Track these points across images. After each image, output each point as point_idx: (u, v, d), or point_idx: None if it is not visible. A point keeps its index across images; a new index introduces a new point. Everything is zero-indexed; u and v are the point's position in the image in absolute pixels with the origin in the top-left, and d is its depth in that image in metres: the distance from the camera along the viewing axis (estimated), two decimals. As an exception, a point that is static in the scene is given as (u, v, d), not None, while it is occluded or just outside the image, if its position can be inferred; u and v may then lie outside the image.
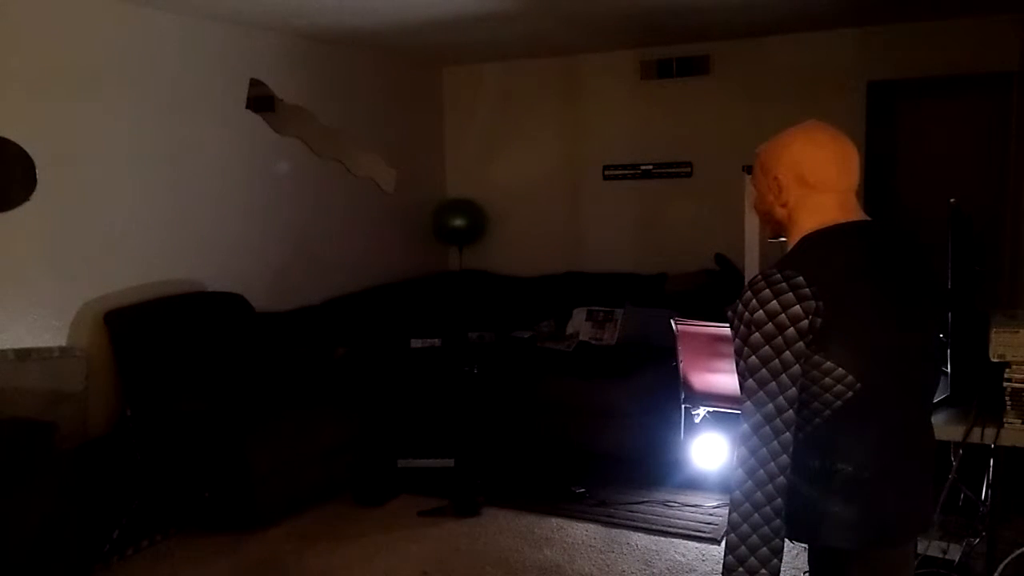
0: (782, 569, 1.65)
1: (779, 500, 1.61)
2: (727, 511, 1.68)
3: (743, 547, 1.62)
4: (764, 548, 1.61)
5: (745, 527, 1.62)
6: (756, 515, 1.61)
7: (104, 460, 3.82)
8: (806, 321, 1.59)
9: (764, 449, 1.61)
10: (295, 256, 5.25)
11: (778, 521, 1.61)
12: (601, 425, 4.63)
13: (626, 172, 6.07)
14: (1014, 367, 2.52)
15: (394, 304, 5.70)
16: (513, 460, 4.69)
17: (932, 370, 1.83)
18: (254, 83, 4.90)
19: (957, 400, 2.69)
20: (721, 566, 1.67)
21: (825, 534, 1.72)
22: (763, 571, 1.61)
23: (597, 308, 5.62)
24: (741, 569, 1.61)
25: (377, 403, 4.69)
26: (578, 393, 4.74)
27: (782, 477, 1.61)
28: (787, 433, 1.61)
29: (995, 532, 2.88)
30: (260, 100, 4.96)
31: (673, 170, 5.90)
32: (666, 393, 4.36)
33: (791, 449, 1.62)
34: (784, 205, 1.76)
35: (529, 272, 6.27)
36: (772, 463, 1.60)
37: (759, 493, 1.61)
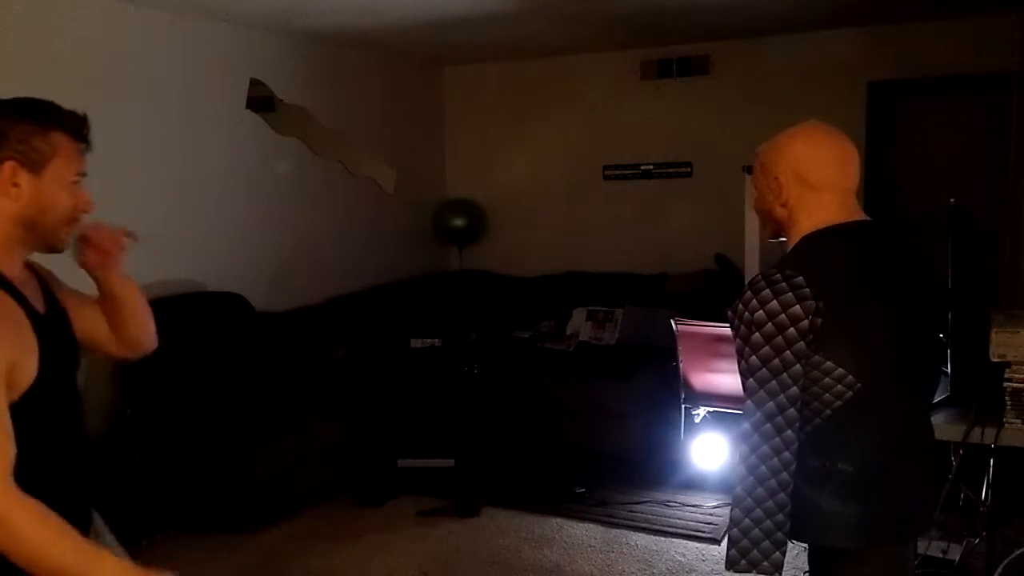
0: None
1: (783, 495, 1.61)
2: (729, 509, 1.69)
3: (745, 540, 1.63)
4: (767, 541, 1.62)
5: (747, 522, 1.63)
6: (758, 510, 1.62)
7: (104, 460, 3.81)
8: (806, 321, 1.59)
9: (765, 446, 1.62)
10: (295, 256, 5.25)
11: (781, 516, 1.61)
12: (601, 425, 4.63)
13: (626, 172, 6.06)
14: (1014, 367, 2.52)
15: (394, 304, 5.69)
16: (513, 460, 4.69)
17: (932, 370, 1.84)
18: (254, 83, 4.90)
19: (957, 400, 2.69)
20: (724, 561, 1.68)
21: (825, 534, 1.72)
22: (765, 563, 1.62)
23: (597, 308, 5.61)
24: (744, 562, 1.62)
25: (377, 403, 4.68)
26: (578, 393, 4.74)
27: (785, 473, 1.61)
28: (789, 431, 1.61)
29: (995, 532, 2.89)
30: (260, 100, 4.95)
31: (673, 170, 5.90)
32: (666, 393, 4.35)
33: (794, 446, 1.62)
34: (784, 205, 1.77)
35: (529, 272, 6.27)
36: (775, 459, 1.61)
37: (761, 488, 1.62)
